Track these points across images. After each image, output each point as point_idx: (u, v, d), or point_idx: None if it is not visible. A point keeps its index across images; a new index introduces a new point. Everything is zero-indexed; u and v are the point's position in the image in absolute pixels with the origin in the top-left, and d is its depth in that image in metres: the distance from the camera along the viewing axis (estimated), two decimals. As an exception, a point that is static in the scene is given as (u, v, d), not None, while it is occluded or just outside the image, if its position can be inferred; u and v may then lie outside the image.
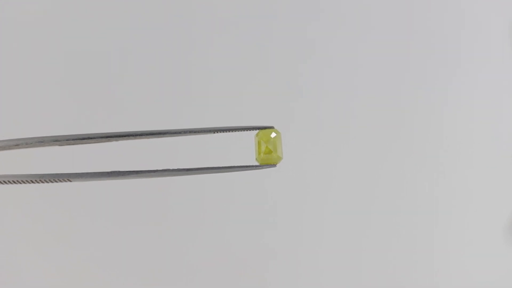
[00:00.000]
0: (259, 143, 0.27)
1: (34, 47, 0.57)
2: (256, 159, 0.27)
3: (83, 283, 0.56)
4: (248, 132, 0.27)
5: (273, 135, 0.27)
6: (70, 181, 0.25)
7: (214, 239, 0.58)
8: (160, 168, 0.23)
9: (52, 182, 0.25)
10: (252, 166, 0.26)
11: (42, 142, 0.27)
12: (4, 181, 0.25)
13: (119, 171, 0.23)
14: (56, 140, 0.27)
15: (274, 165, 0.26)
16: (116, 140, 0.27)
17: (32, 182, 0.25)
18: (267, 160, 0.26)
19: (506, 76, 0.60)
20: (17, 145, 0.26)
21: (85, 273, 0.57)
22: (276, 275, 0.58)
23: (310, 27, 0.59)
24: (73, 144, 0.26)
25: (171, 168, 0.23)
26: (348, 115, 0.59)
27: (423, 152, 0.59)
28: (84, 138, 0.27)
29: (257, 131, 0.27)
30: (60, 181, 0.25)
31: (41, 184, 0.25)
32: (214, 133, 0.27)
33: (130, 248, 0.57)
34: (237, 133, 0.27)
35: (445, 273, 0.59)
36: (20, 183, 0.25)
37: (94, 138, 0.28)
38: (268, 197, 0.59)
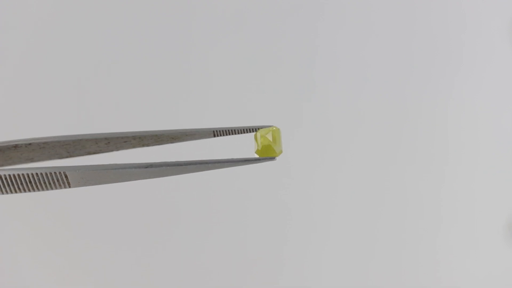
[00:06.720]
0: (256, 137, 0.26)
1: (34, 49, 0.57)
2: (255, 152, 0.26)
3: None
4: (248, 134, 0.27)
5: (272, 128, 0.26)
6: (70, 186, 0.25)
7: (222, 242, 0.58)
8: (158, 161, 0.23)
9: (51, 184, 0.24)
10: (252, 159, 0.25)
11: (45, 144, 0.27)
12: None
13: (118, 164, 0.22)
14: (58, 141, 0.27)
15: (273, 158, 0.26)
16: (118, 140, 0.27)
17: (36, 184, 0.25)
18: (266, 153, 0.26)
19: (508, 76, 0.60)
20: (15, 146, 0.26)
21: (88, 278, 0.56)
22: (284, 276, 0.58)
23: (317, 28, 0.59)
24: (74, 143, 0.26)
25: (169, 161, 0.23)
26: (353, 117, 0.59)
27: (425, 152, 0.59)
28: (83, 139, 0.27)
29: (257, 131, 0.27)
30: (60, 185, 0.24)
31: (42, 190, 0.25)
32: (214, 136, 0.27)
33: (132, 253, 0.57)
34: (237, 136, 0.27)
35: (446, 272, 0.59)
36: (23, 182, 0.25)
37: (93, 140, 0.27)
38: (275, 198, 0.58)
